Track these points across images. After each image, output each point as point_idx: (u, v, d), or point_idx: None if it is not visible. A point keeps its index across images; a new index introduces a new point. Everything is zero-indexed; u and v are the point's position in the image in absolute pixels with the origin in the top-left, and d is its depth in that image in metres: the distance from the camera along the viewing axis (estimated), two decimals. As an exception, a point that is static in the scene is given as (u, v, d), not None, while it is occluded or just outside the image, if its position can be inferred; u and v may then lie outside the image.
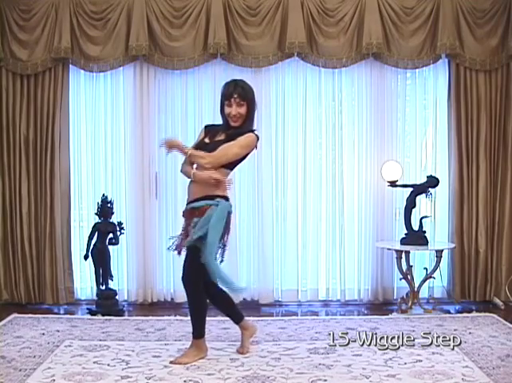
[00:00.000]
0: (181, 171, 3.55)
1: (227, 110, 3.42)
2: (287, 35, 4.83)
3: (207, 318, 4.48)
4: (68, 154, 5.01)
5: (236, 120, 3.42)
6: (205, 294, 3.47)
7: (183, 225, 3.47)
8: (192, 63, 4.94)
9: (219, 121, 5.00)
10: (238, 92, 3.38)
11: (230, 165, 3.45)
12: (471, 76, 5.00)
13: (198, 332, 3.49)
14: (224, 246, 3.44)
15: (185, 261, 3.44)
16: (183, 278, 3.46)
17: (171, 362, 3.43)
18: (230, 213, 3.42)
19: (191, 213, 3.39)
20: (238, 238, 5.01)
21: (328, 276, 5.17)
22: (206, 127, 3.64)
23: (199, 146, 3.48)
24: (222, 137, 3.45)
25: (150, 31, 4.87)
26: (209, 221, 3.29)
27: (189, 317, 3.53)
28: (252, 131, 3.47)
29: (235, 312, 3.68)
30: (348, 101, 5.18)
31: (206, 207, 3.32)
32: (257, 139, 3.48)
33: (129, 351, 3.66)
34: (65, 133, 4.98)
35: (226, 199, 3.42)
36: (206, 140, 3.49)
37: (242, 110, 3.40)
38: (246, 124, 3.44)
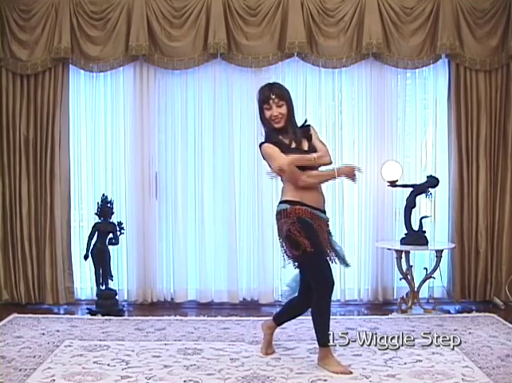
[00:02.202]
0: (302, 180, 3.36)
1: (268, 113, 3.39)
2: (287, 35, 4.83)
3: (207, 318, 4.52)
4: (68, 154, 5.01)
5: (279, 121, 3.39)
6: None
7: (316, 228, 3.36)
8: (192, 63, 4.94)
9: (219, 121, 5.07)
10: (275, 93, 3.38)
11: None
12: (471, 76, 5.00)
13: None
14: None
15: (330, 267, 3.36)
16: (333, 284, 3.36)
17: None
18: None
19: (324, 223, 3.44)
20: (238, 238, 5.02)
21: (328, 276, 5.17)
22: (270, 142, 3.41)
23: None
24: (305, 147, 3.43)
25: (150, 31, 4.87)
26: None
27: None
28: (309, 125, 3.55)
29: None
30: (348, 101, 5.18)
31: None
32: None
33: (129, 351, 3.66)
34: (65, 133, 4.99)
35: None
36: (305, 148, 3.43)
37: (283, 110, 3.39)
38: (292, 122, 3.44)
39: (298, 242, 3.24)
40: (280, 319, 3.64)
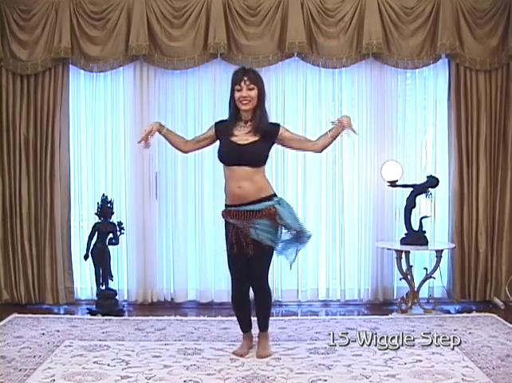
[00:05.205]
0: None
1: (237, 94, 3.42)
2: (287, 35, 4.83)
3: (207, 318, 4.53)
4: (68, 154, 5.01)
5: (247, 103, 3.41)
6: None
7: (233, 226, 3.45)
8: (192, 63, 4.94)
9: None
10: (248, 76, 3.41)
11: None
12: (471, 76, 5.00)
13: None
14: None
15: (261, 262, 3.47)
16: (259, 278, 3.50)
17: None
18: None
19: (247, 215, 3.39)
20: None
21: (328, 276, 5.17)
22: (216, 124, 3.60)
23: (230, 148, 3.43)
24: (256, 137, 3.43)
25: (150, 31, 4.87)
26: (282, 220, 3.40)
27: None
28: (279, 124, 3.59)
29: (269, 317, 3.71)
30: (348, 101, 5.18)
31: (270, 210, 3.39)
32: None
33: (129, 351, 3.66)
34: (65, 133, 4.99)
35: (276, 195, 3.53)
36: (240, 142, 3.42)
37: (253, 93, 3.41)
38: (260, 112, 3.45)
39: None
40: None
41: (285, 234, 3.47)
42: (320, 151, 3.58)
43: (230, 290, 4.99)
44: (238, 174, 3.39)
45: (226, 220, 3.52)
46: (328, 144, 3.54)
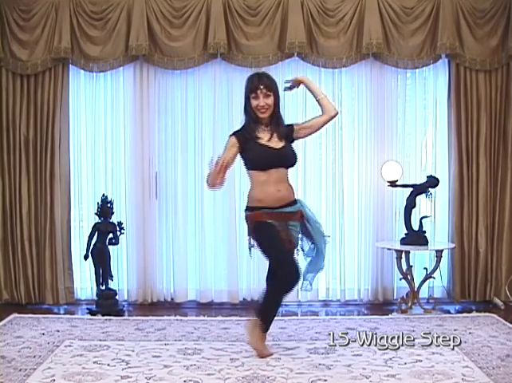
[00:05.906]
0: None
1: (254, 103, 3.40)
2: (287, 35, 4.83)
3: (207, 318, 4.53)
4: (68, 154, 5.01)
5: (264, 111, 3.41)
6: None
7: (277, 227, 3.43)
8: (192, 63, 4.94)
9: (219, 121, 5.07)
10: (263, 83, 3.39)
11: None
12: (471, 76, 5.00)
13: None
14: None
15: (295, 259, 3.51)
16: (297, 272, 3.47)
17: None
18: None
19: (286, 217, 3.43)
20: (238, 238, 5.01)
21: (328, 276, 5.17)
22: (235, 134, 3.48)
23: (267, 153, 3.40)
24: (283, 142, 3.46)
25: (150, 31, 4.87)
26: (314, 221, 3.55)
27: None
28: (291, 125, 3.60)
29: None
30: (348, 101, 5.18)
31: (301, 212, 3.50)
32: None
33: (129, 351, 3.66)
34: (65, 133, 4.99)
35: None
36: (276, 146, 3.42)
37: (270, 101, 3.40)
38: (277, 116, 3.47)
39: (260, 246, 3.50)
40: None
41: (306, 245, 3.59)
42: (335, 112, 3.66)
43: (229, 290, 5.07)
44: (276, 177, 3.41)
45: (260, 222, 3.43)
46: (328, 102, 3.68)
